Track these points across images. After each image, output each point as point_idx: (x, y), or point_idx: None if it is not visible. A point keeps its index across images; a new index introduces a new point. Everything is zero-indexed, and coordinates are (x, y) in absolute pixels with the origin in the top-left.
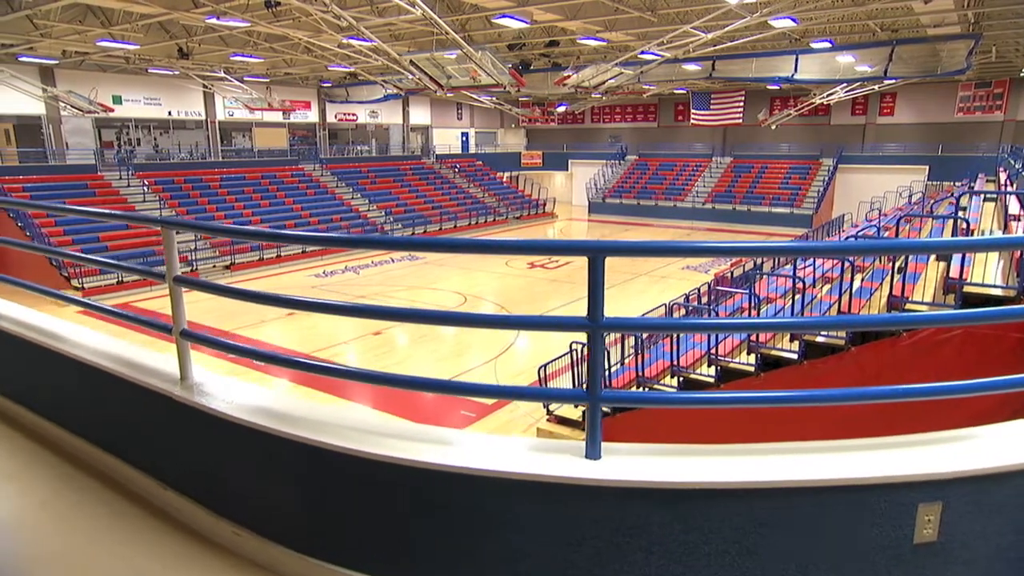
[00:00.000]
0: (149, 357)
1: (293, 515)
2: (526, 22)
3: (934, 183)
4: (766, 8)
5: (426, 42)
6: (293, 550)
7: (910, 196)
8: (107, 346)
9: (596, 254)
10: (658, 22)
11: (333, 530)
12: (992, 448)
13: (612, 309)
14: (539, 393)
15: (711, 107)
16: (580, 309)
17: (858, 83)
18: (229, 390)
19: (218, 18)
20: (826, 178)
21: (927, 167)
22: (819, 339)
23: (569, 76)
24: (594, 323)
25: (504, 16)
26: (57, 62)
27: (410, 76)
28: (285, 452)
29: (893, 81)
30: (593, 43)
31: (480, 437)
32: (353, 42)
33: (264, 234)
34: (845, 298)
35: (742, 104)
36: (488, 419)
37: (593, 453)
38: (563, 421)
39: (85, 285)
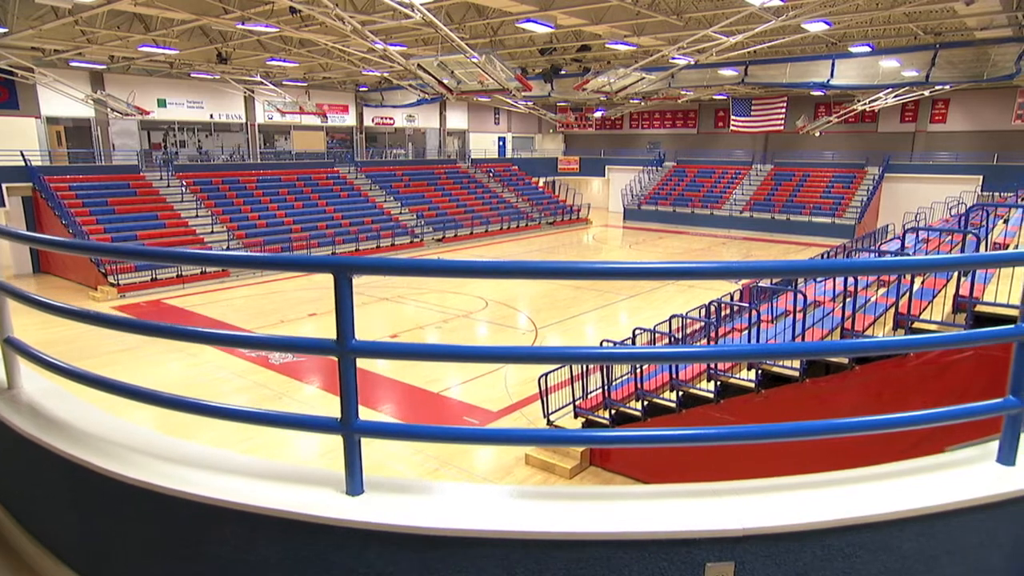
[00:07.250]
0: None
1: (76, 536)
2: (550, 26)
3: (987, 194)
4: (792, 12)
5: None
6: (79, 574)
7: (957, 206)
8: None
9: (340, 270)
10: (684, 26)
11: (107, 554)
12: (795, 502)
13: (635, 318)
14: (289, 420)
15: (752, 113)
16: (605, 316)
17: (904, 88)
18: (51, 403)
19: (244, 23)
20: (871, 187)
21: (980, 177)
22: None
23: (588, 80)
24: (342, 347)
25: (528, 20)
26: (106, 67)
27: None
28: (60, 470)
29: (942, 87)
30: (623, 48)
31: (246, 462)
32: (376, 47)
33: (91, 247)
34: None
35: (784, 110)
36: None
37: (353, 489)
38: None
39: (121, 281)
